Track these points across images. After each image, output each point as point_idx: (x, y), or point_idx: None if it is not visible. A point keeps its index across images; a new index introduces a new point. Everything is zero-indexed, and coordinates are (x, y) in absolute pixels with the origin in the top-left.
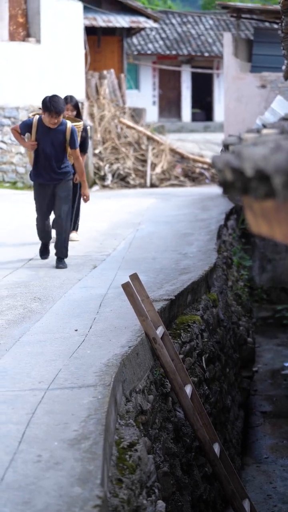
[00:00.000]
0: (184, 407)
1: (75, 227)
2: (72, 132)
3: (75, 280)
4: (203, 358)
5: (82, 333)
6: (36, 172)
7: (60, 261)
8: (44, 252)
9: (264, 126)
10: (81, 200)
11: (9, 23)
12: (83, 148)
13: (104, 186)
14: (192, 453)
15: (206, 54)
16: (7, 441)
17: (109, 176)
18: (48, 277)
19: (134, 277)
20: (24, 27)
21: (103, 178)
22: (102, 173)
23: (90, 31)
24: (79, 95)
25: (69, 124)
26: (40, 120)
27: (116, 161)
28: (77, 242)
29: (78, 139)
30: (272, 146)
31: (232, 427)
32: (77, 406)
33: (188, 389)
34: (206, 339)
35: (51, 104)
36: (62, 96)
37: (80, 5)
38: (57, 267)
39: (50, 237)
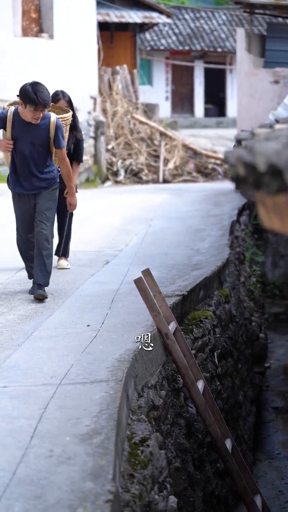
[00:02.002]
0: (196, 402)
1: (65, 253)
2: (57, 127)
3: (87, 275)
4: (215, 353)
5: (94, 328)
6: (14, 179)
7: (40, 288)
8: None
9: (277, 121)
10: (70, 219)
11: (22, 18)
12: (77, 156)
13: (116, 182)
14: (204, 449)
15: (219, 50)
16: (19, 436)
17: (122, 172)
18: (60, 272)
19: (147, 272)
20: (37, 22)
21: (115, 173)
22: (114, 169)
23: (103, 27)
24: (92, 91)
25: (53, 117)
26: (16, 114)
27: (129, 156)
28: (90, 238)
29: (66, 135)
30: (284, 141)
31: (244, 422)
32: (89, 401)
33: (200, 384)
34: (218, 335)
35: (37, 95)
36: (74, 92)
37: (93, 1)
38: (35, 297)
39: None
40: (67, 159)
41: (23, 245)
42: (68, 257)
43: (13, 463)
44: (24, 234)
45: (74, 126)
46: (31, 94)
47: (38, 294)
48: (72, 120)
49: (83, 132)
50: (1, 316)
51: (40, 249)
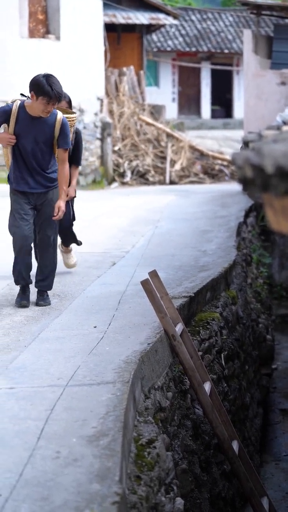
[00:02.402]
0: (203, 404)
1: (71, 242)
2: (63, 125)
3: (94, 277)
4: (222, 355)
5: (101, 330)
6: (18, 176)
7: (42, 295)
8: (23, 297)
9: (284, 123)
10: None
11: (29, 20)
12: (76, 159)
13: (123, 183)
14: (211, 451)
15: (226, 51)
16: (26, 437)
17: (128, 173)
18: (67, 274)
19: (153, 274)
20: (44, 24)
21: (122, 175)
22: (121, 170)
23: (110, 28)
24: (99, 92)
25: (60, 114)
26: (22, 108)
27: (136, 158)
28: (96, 239)
29: (71, 136)
30: None
31: (251, 424)
32: (95, 403)
33: (207, 386)
34: (225, 336)
35: (51, 88)
36: (81, 93)
37: (100, 2)
38: (38, 304)
39: (29, 275)
40: (67, 162)
41: (22, 265)
42: (78, 243)
43: (20, 464)
44: (24, 247)
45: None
46: (46, 86)
47: (41, 304)
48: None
49: (88, 133)
50: (8, 317)
51: (44, 253)
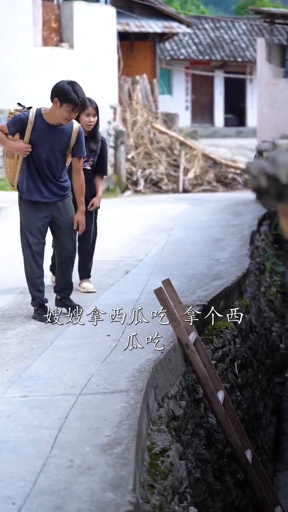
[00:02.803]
0: (216, 413)
1: (88, 274)
2: (79, 134)
3: (107, 285)
4: (236, 364)
5: (114, 338)
6: (31, 186)
7: (66, 295)
8: (43, 312)
9: None
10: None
11: (43, 28)
12: (101, 168)
13: (136, 191)
14: (224, 459)
15: (239, 59)
16: (40, 446)
17: (142, 181)
18: None
19: (167, 282)
20: (57, 32)
21: (135, 183)
22: (134, 178)
23: (123, 36)
24: (112, 100)
25: (76, 124)
26: (38, 116)
27: (149, 166)
28: (110, 247)
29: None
30: None
31: (264, 433)
32: (109, 411)
33: (220, 395)
34: (238, 345)
35: (77, 95)
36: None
37: (113, 10)
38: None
39: (44, 291)
40: (82, 172)
41: (36, 279)
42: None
43: (33, 473)
44: (35, 261)
45: (95, 136)
46: (72, 93)
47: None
48: (94, 130)
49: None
50: (21, 325)
51: (66, 269)
